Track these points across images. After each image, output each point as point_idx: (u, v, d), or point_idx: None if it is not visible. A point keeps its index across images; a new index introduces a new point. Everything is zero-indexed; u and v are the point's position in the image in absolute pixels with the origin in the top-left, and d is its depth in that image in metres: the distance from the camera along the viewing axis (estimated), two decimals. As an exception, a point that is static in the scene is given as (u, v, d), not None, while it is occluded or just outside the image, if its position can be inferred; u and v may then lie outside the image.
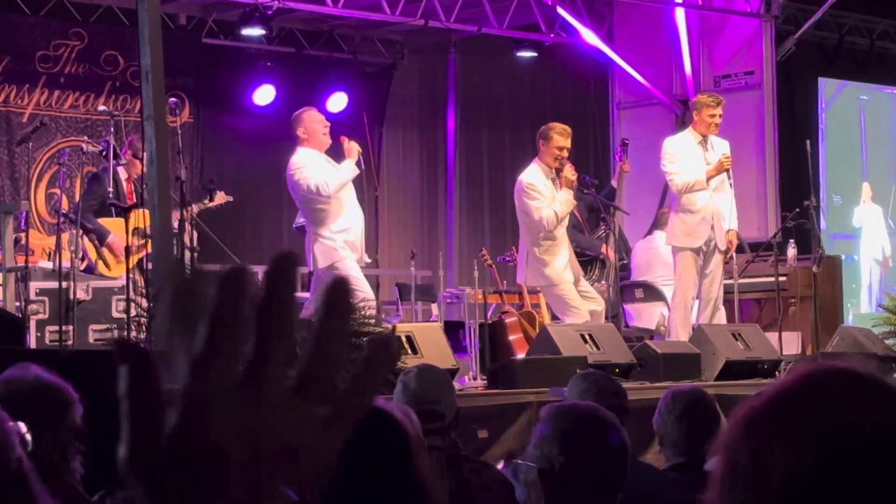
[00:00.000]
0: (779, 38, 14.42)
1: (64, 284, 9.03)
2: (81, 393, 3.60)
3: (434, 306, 12.34)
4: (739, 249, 11.52)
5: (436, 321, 11.22)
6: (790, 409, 1.33)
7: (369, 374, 0.94)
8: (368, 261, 10.03)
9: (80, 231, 10.02)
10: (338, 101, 14.86)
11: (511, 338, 10.91)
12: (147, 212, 7.82)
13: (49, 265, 9.81)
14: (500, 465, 4.73)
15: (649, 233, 12.45)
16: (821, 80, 15.86)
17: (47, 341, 9.05)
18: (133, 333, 7.64)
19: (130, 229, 8.97)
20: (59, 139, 13.51)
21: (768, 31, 14.22)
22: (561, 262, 9.97)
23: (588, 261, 11.37)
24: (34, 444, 2.88)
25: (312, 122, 9.52)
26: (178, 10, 14.19)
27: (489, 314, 11.63)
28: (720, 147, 10.39)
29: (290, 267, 0.93)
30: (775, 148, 14.02)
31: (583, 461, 3.32)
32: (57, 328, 9.02)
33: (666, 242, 10.98)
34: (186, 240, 9.23)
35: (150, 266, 8.65)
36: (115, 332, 8.87)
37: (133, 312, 8.01)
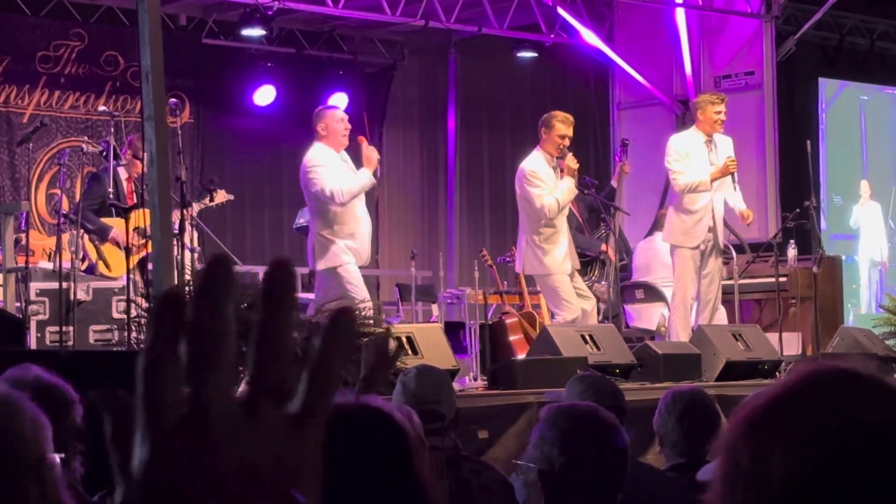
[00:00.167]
0: (779, 38, 14.42)
1: (64, 285, 9.03)
2: (81, 393, 3.61)
3: (434, 307, 12.34)
4: (739, 250, 11.52)
5: (436, 322, 11.22)
6: (791, 410, 1.32)
7: (326, 358, 0.90)
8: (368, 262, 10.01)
9: (81, 231, 10.01)
10: (338, 102, 14.84)
11: (511, 338, 10.91)
12: (147, 212, 7.82)
13: (49, 266, 9.81)
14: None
15: (650, 233, 12.45)
16: (821, 80, 15.85)
17: (48, 342, 9.05)
18: (133, 334, 7.64)
19: (131, 229, 8.96)
20: (60, 139, 13.51)
21: (769, 32, 14.22)
22: (560, 251, 9.92)
23: (588, 261, 11.37)
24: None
25: (334, 120, 9.45)
26: (179, 11, 14.19)
27: (489, 315, 11.63)
28: (723, 146, 10.38)
29: (287, 275, 0.92)
30: (776, 148, 14.02)
31: (582, 462, 3.32)
32: (57, 329, 9.02)
33: (663, 239, 10.98)
34: (187, 240, 9.22)
35: (150, 266, 8.64)
36: (115, 333, 8.88)
37: (133, 313, 8.01)
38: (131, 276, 8.62)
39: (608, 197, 11.23)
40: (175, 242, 8.11)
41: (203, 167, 14.16)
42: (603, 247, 11.28)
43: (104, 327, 9.13)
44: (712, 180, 10.21)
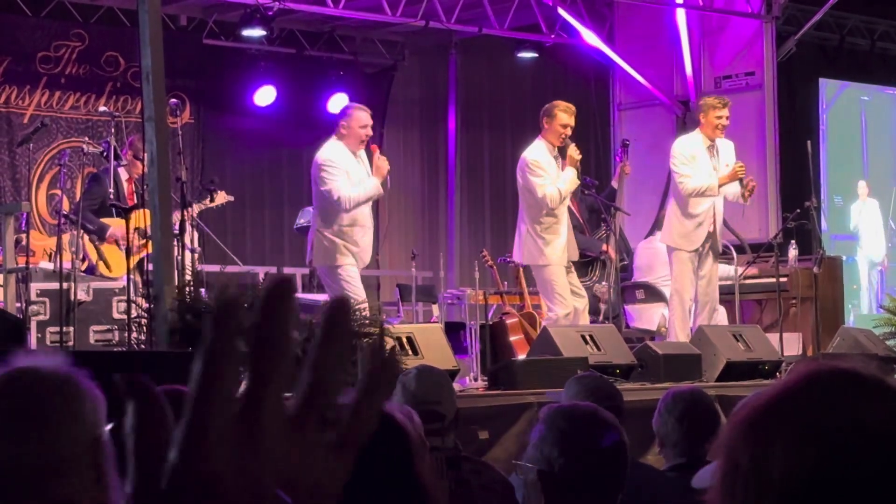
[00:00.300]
0: (780, 38, 14.42)
1: (65, 285, 9.03)
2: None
3: (435, 307, 12.34)
4: (740, 250, 11.52)
5: (436, 322, 11.21)
6: (791, 410, 1.32)
7: (371, 398, 0.93)
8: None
9: (81, 232, 10.01)
10: (338, 102, 14.84)
11: (512, 339, 10.91)
12: (148, 212, 7.82)
13: (50, 266, 9.81)
14: None
15: (650, 233, 12.44)
16: (822, 80, 15.85)
17: (48, 342, 9.05)
18: (134, 334, 7.65)
19: (131, 230, 8.96)
20: (60, 140, 13.51)
21: (769, 32, 14.22)
22: (560, 241, 9.89)
23: (589, 261, 11.36)
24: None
25: (359, 123, 9.42)
26: (179, 11, 14.19)
27: (490, 315, 11.63)
28: (725, 150, 10.38)
29: (285, 295, 0.93)
30: (776, 149, 14.02)
31: (582, 462, 3.32)
32: (58, 329, 9.02)
33: (660, 240, 10.97)
34: (187, 240, 9.22)
35: (150, 267, 8.64)
36: (116, 334, 8.88)
37: (134, 313, 8.01)
38: (131, 276, 8.62)
39: (608, 198, 11.22)
40: (175, 243, 8.11)
41: (203, 167, 14.16)
42: (604, 247, 11.28)
43: (105, 328, 9.13)
44: (720, 185, 10.20)
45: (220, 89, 14.52)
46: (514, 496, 4.49)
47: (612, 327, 9.69)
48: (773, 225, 13.34)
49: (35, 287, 9.18)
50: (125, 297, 8.70)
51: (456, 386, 7.02)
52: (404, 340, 8.12)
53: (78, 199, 11.17)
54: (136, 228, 8.96)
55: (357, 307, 7.93)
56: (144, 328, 7.50)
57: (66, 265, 9.22)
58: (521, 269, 11.17)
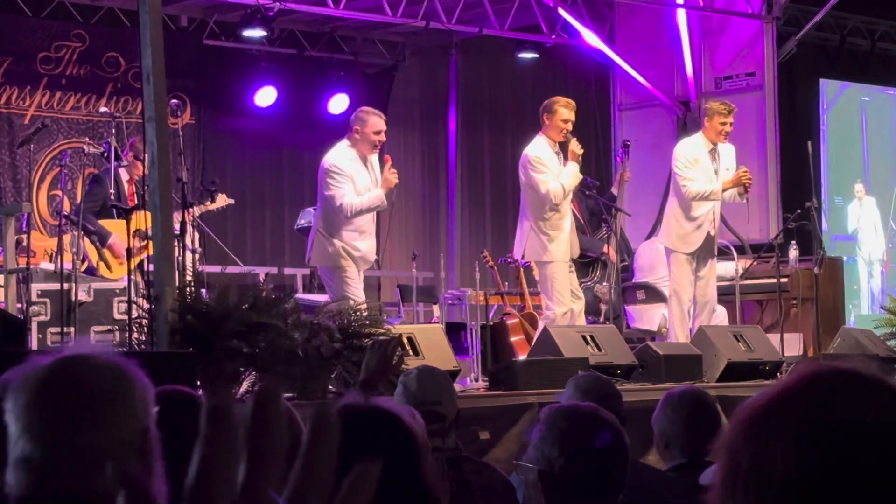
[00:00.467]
0: (780, 39, 14.42)
1: (65, 286, 9.03)
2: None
3: (435, 308, 12.34)
4: (740, 250, 11.52)
5: (437, 323, 11.22)
6: (792, 410, 1.33)
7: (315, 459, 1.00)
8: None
9: (82, 233, 10.01)
10: (339, 103, 14.87)
11: (512, 339, 10.91)
12: (148, 213, 7.82)
13: (50, 267, 9.81)
14: None
15: (652, 234, 12.45)
16: (822, 81, 15.85)
17: (49, 343, 9.05)
18: (134, 335, 7.64)
19: (132, 231, 8.96)
20: (61, 141, 13.51)
21: (770, 33, 14.22)
22: (563, 237, 9.88)
23: (590, 262, 11.37)
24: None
25: (373, 129, 9.37)
26: (180, 12, 14.19)
27: (490, 316, 11.63)
28: (726, 154, 10.38)
29: (273, 402, 0.97)
30: (777, 149, 14.02)
31: (583, 462, 3.32)
32: (58, 330, 9.02)
33: (658, 241, 10.97)
34: (188, 241, 9.22)
35: (150, 267, 8.64)
36: (117, 334, 8.87)
37: (134, 314, 8.01)
38: (132, 277, 8.62)
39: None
40: (176, 243, 8.11)
41: (204, 168, 14.16)
42: (605, 247, 11.28)
43: (105, 328, 9.12)
44: (723, 190, 10.20)
45: (221, 90, 14.52)
46: (515, 496, 4.49)
47: (612, 328, 9.69)
48: (774, 225, 13.34)
49: (36, 288, 9.18)
50: (126, 298, 8.69)
51: (457, 386, 7.02)
52: (405, 341, 8.12)
53: (79, 199, 11.17)
54: (137, 229, 8.96)
55: (357, 308, 7.94)
56: (145, 329, 7.49)
57: (67, 266, 9.23)
58: (521, 270, 11.17)
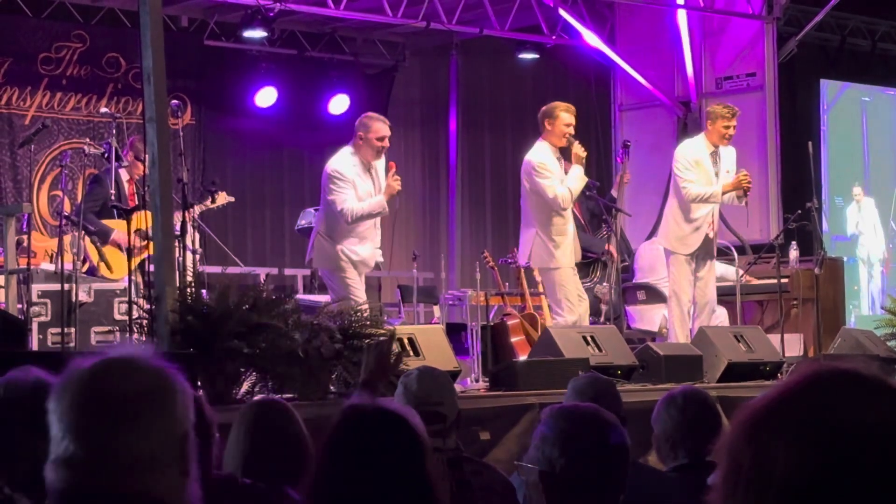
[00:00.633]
0: (780, 39, 14.42)
1: (66, 286, 9.03)
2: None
3: (436, 308, 12.34)
4: (741, 251, 11.51)
5: (438, 323, 11.22)
6: (793, 411, 1.33)
7: None
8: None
9: (82, 233, 10.01)
10: (339, 103, 14.88)
11: (513, 340, 10.90)
12: (149, 213, 7.82)
13: (51, 267, 9.81)
14: None
15: (652, 234, 12.44)
16: (822, 81, 15.85)
17: (49, 343, 9.05)
18: (135, 335, 7.64)
19: (132, 231, 8.96)
20: (61, 141, 13.51)
21: (770, 33, 14.22)
22: (568, 242, 9.89)
23: (590, 262, 11.37)
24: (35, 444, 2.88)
25: (377, 135, 9.40)
26: (180, 12, 14.19)
27: (491, 316, 11.63)
28: (726, 156, 10.39)
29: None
30: (777, 149, 14.02)
31: (583, 463, 3.32)
32: (59, 330, 9.02)
33: (657, 242, 10.96)
34: (188, 242, 9.22)
35: (151, 268, 8.64)
36: (117, 335, 8.87)
37: (135, 314, 8.01)
38: (132, 277, 8.62)
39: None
40: (176, 244, 8.11)
41: (204, 168, 14.16)
42: (606, 246, 11.28)
43: (106, 329, 9.13)
44: (723, 193, 10.21)
45: (221, 90, 14.53)
46: (516, 497, 4.49)
47: (613, 328, 9.69)
48: (775, 226, 13.34)
49: (36, 288, 9.18)
50: (126, 299, 8.69)
51: (457, 387, 7.02)
52: (405, 341, 8.12)
53: (79, 200, 11.17)
54: (138, 230, 8.96)
55: (357, 308, 7.94)
56: (146, 329, 7.49)
57: (68, 266, 9.22)
58: (522, 270, 11.17)
